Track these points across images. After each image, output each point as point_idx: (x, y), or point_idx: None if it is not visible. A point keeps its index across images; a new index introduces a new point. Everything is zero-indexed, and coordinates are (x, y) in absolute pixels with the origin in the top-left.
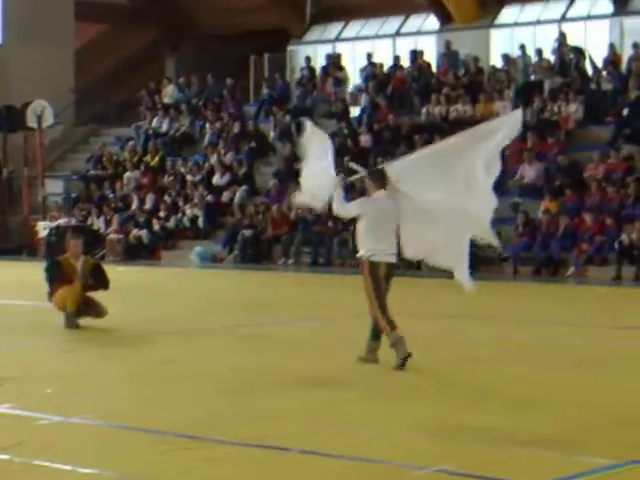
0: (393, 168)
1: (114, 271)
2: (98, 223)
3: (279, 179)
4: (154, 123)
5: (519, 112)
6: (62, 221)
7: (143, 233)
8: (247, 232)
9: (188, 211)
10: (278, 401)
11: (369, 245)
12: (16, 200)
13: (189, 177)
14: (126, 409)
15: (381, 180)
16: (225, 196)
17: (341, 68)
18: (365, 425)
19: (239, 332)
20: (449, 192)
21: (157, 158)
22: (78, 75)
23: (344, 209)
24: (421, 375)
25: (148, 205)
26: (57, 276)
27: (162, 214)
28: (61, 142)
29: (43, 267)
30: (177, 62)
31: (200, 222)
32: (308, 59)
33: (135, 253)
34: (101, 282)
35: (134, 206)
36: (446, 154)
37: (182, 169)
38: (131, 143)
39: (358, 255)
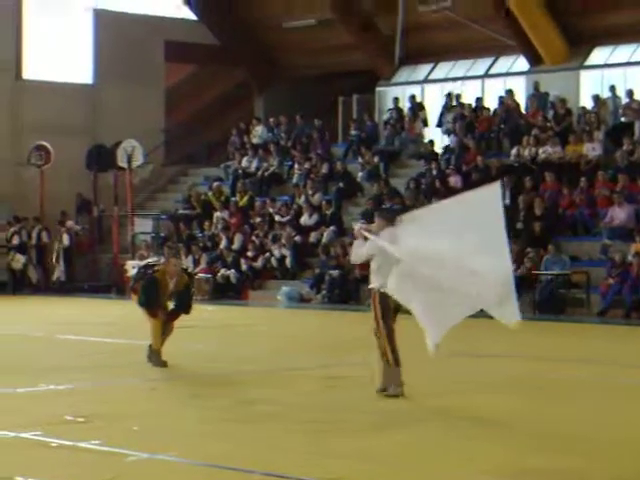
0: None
1: (202, 310)
2: (186, 262)
3: (367, 220)
4: (243, 163)
5: (497, 186)
6: (151, 260)
7: (231, 273)
8: (334, 272)
9: (276, 251)
10: (353, 442)
11: (381, 280)
12: (106, 239)
13: (277, 217)
14: (210, 447)
15: (391, 219)
16: (313, 236)
17: (421, 108)
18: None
19: (323, 373)
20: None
21: (245, 198)
22: (168, 115)
23: (357, 256)
24: (507, 414)
25: (236, 245)
26: (152, 297)
27: (250, 254)
28: (151, 181)
29: (141, 286)
30: (266, 102)
31: (288, 262)
32: (396, 100)
33: (223, 292)
34: (183, 305)
35: (222, 245)
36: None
37: (270, 209)
38: (216, 184)
39: (370, 287)
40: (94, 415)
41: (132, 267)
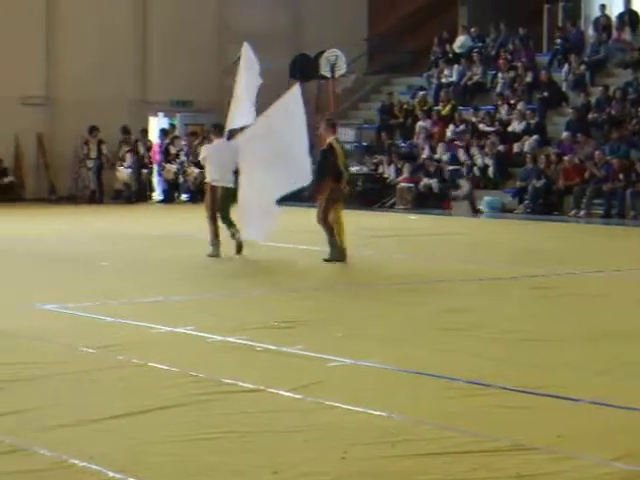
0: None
1: (404, 219)
2: (389, 171)
3: (572, 130)
4: (446, 72)
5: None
6: (353, 169)
7: (433, 182)
8: (538, 183)
9: (479, 160)
10: (561, 352)
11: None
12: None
13: (481, 126)
14: (413, 354)
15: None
16: (516, 146)
17: (632, 14)
18: None
19: (525, 282)
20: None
21: (448, 107)
22: (371, 24)
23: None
24: None
25: (438, 154)
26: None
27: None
28: (353, 91)
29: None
30: (470, 11)
31: (490, 172)
32: (603, 7)
33: (424, 202)
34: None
35: (424, 155)
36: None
37: (473, 118)
38: (421, 93)
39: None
40: (298, 321)
41: None
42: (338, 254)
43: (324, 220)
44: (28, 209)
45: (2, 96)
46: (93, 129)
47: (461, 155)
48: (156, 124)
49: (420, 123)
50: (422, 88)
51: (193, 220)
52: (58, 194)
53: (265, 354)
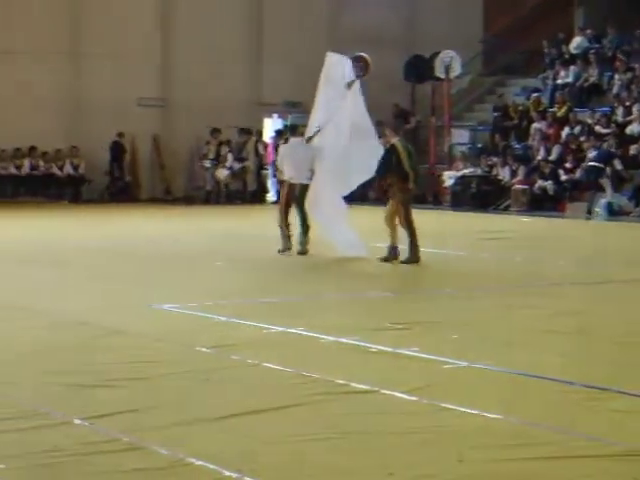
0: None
1: (518, 222)
2: (503, 173)
3: None
4: (561, 74)
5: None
6: (467, 171)
7: (548, 184)
8: None
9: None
10: None
11: None
12: (422, 149)
13: (597, 128)
14: (528, 357)
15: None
16: (633, 149)
17: None
18: None
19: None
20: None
21: (564, 109)
22: (487, 25)
23: None
24: None
25: (554, 156)
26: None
27: (568, 165)
28: (468, 92)
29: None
30: (586, 12)
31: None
32: None
33: (539, 204)
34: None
35: (539, 157)
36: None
37: (589, 120)
38: (535, 95)
39: None
40: (413, 323)
41: (449, 178)
42: (414, 256)
43: (407, 224)
44: (144, 209)
45: (119, 97)
46: (214, 131)
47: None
48: (270, 125)
49: (535, 125)
50: (537, 90)
51: None
52: (173, 195)
53: (379, 355)
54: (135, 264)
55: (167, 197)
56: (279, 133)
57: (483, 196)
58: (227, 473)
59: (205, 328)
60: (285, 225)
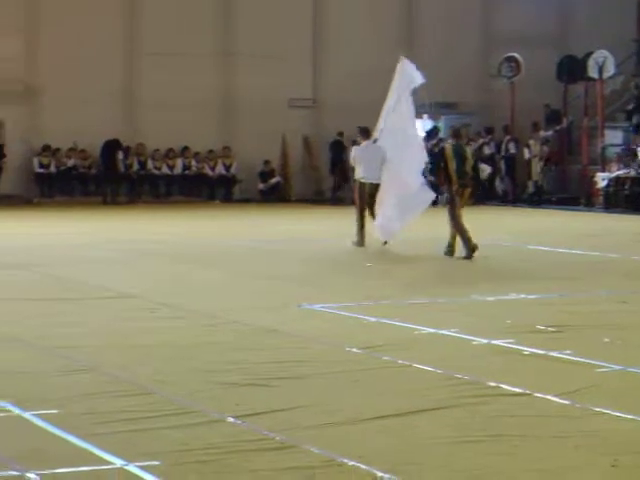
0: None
1: None
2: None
3: None
4: None
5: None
6: (621, 172)
7: None
8: None
9: None
10: None
11: None
12: (575, 150)
13: None
14: None
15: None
16: None
17: None
18: None
19: None
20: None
21: None
22: None
23: None
24: None
25: None
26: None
27: None
28: (622, 93)
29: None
30: None
31: None
32: None
33: None
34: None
35: None
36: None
37: None
38: None
39: None
40: (565, 325)
41: (602, 179)
42: (470, 251)
43: (455, 225)
44: (295, 209)
45: (271, 98)
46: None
47: None
48: (421, 126)
49: None
50: None
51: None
52: (324, 195)
53: (532, 358)
54: (286, 264)
55: (318, 198)
56: (429, 134)
57: (637, 197)
58: (380, 474)
59: (355, 329)
60: (360, 222)
